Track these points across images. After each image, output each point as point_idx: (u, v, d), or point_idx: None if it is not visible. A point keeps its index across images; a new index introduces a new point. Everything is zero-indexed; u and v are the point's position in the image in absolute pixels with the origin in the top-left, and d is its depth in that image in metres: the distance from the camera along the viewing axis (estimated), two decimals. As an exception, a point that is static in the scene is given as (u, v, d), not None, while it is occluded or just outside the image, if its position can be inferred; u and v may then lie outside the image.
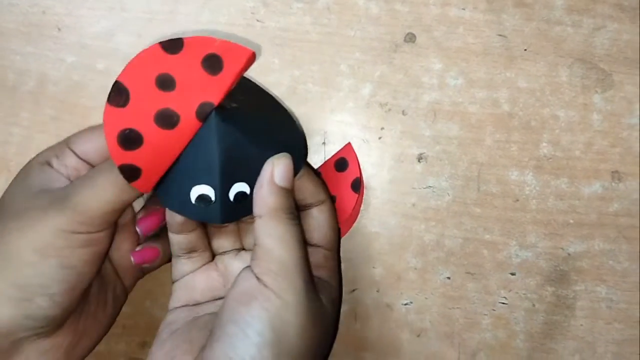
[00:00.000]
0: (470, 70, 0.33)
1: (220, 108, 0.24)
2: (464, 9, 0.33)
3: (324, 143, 0.34)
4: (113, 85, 0.23)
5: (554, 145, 0.33)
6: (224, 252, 0.30)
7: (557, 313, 0.33)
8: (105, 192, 0.25)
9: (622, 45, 0.33)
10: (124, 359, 0.34)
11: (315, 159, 0.33)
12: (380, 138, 0.34)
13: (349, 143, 0.33)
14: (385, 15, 0.33)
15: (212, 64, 0.23)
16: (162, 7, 0.34)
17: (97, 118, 0.34)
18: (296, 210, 0.26)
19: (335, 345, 0.31)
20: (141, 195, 0.26)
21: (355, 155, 0.33)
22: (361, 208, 0.34)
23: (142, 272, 0.31)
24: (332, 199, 0.32)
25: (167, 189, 0.26)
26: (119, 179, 0.25)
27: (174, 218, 0.27)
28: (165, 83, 0.23)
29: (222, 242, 0.30)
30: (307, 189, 0.28)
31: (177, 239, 0.28)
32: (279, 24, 0.34)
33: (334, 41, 0.34)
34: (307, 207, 0.28)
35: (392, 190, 0.33)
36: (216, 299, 0.29)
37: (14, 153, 0.34)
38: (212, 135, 0.24)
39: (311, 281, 0.26)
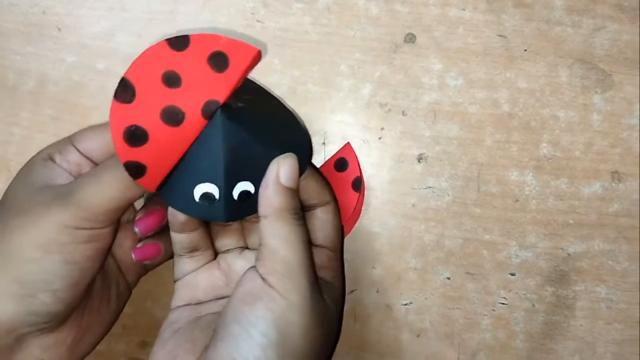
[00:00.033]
0: (470, 70, 0.33)
1: (226, 106, 0.24)
2: (464, 10, 0.33)
3: (324, 143, 0.34)
4: (120, 82, 0.23)
5: (554, 145, 0.33)
6: (227, 251, 0.30)
7: (557, 313, 0.33)
8: (110, 188, 0.25)
9: (622, 46, 0.33)
10: (124, 358, 0.34)
11: (315, 159, 0.33)
12: (380, 138, 0.34)
13: (348, 143, 0.33)
14: (385, 16, 0.33)
15: (218, 61, 0.23)
16: (162, 7, 0.34)
17: (97, 118, 0.34)
18: (301, 211, 0.26)
19: (335, 346, 0.31)
20: (145, 193, 0.26)
21: (355, 155, 0.33)
22: (362, 208, 0.34)
23: (145, 268, 0.31)
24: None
25: (170, 188, 0.26)
26: (124, 176, 0.25)
27: (176, 217, 0.27)
28: (172, 80, 0.23)
29: (226, 240, 0.30)
30: (312, 190, 0.28)
31: (179, 238, 0.28)
32: (278, 24, 0.34)
33: (334, 41, 0.34)
34: (312, 207, 0.28)
35: (392, 191, 0.33)
36: (219, 298, 0.29)
37: (14, 153, 0.34)
38: (218, 134, 0.24)
39: (316, 282, 0.25)
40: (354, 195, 0.33)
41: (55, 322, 0.26)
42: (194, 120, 0.24)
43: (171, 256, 0.30)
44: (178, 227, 0.27)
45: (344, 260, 0.33)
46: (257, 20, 0.34)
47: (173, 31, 0.34)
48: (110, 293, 0.29)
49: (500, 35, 0.33)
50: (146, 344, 0.34)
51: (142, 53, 0.23)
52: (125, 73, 0.23)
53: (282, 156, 0.25)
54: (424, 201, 0.33)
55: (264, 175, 0.25)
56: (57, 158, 0.27)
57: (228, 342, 0.23)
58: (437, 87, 0.33)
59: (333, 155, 0.33)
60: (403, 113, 0.33)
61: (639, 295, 0.33)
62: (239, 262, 0.29)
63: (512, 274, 0.33)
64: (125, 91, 0.23)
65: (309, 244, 0.26)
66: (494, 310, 0.33)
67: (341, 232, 0.30)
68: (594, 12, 0.33)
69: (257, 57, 0.24)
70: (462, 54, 0.33)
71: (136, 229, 0.28)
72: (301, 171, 0.26)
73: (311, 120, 0.33)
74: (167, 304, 0.29)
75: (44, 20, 0.34)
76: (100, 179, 0.25)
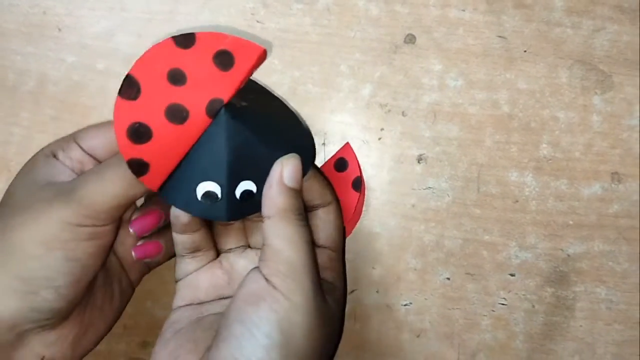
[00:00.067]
0: (470, 71, 0.33)
1: (230, 105, 0.24)
2: (463, 10, 0.33)
3: (324, 144, 0.34)
4: (125, 78, 0.23)
5: (554, 146, 0.33)
6: (229, 250, 0.30)
7: (557, 314, 0.33)
8: (113, 186, 0.25)
9: (622, 47, 0.33)
10: (124, 358, 0.34)
11: (316, 159, 0.33)
12: (380, 139, 0.34)
13: (348, 143, 0.33)
14: (385, 16, 0.33)
15: (224, 60, 0.23)
16: (162, 7, 0.34)
17: (97, 118, 0.34)
18: (304, 212, 0.26)
19: (334, 346, 0.31)
20: (148, 191, 0.26)
21: (355, 155, 0.33)
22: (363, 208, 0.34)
23: (147, 267, 0.31)
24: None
25: (172, 186, 0.26)
26: (127, 173, 0.25)
27: (178, 219, 0.27)
28: (177, 78, 0.24)
29: (228, 240, 0.30)
30: (315, 190, 0.28)
31: (181, 239, 0.28)
32: (278, 25, 0.34)
33: (334, 42, 0.34)
34: (314, 208, 0.28)
35: (391, 191, 0.33)
36: (221, 298, 0.29)
37: (14, 153, 0.34)
38: (222, 132, 0.24)
39: (319, 283, 0.26)
40: (355, 195, 0.33)
41: (57, 318, 0.26)
42: (198, 119, 0.24)
43: (173, 255, 0.30)
44: (180, 228, 0.27)
45: (345, 260, 0.33)
46: (257, 21, 0.34)
47: (173, 31, 0.34)
48: (112, 290, 0.29)
49: (500, 36, 0.33)
50: (147, 344, 0.34)
51: (148, 50, 0.23)
52: (131, 70, 0.23)
53: (285, 157, 0.25)
54: (423, 202, 0.33)
55: (267, 175, 0.25)
56: (60, 155, 0.27)
57: (230, 342, 0.23)
58: (437, 88, 0.33)
59: (333, 156, 0.33)
60: (403, 114, 0.34)
61: (639, 296, 0.33)
62: (241, 262, 0.29)
63: (512, 275, 0.33)
64: (130, 88, 0.23)
65: (312, 245, 0.26)
66: (493, 310, 0.33)
67: (343, 232, 0.30)
68: (593, 13, 0.33)
69: (263, 56, 0.24)
70: (462, 55, 0.33)
71: (131, 230, 0.28)
72: (304, 172, 0.26)
73: (311, 121, 0.33)
74: (168, 304, 0.29)
75: (44, 21, 0.34)
76: (103, 176, 0.25)
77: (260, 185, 0.26)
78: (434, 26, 0.33)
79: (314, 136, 0.33)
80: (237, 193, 0.25)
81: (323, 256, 0.28)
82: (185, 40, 0.23)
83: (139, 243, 0.29)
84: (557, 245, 0.33)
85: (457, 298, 0.33)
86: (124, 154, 0.24)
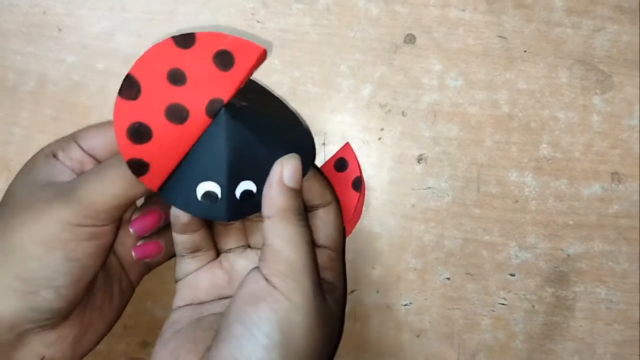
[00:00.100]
0: (470, 71, 0.33)
1: (230, 105, 0.24)
2: (463, 10, 0.33)
3: (324, 144, 0.34)
4: (125, 78, 0.23)
5: (554, 146, 0.33)
6: (229, 250, 0.30)
7: (557, 314, 0.33)
8: (113, 186, 0.25)
9: (622, 47, 0.33)
10: (124, 358, 0.34)
11: (316, 159, 0.33)
12: (380, 139, 0.34)
13: (348, 143, 0.33)
14: (385, 17, 0.33)
15: (224, 60, 0.23)
16: (161, 7, 0.34)
17: (97, 118, 0.34)
18: (305, 212, 0.26)
19: (334, 346, 0.31)
20: (148, 191, 0.26)
21: (355, 155, 0.33)
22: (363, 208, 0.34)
23: (147, 267, 0.31)
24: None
25: (172, 186, 0.26)
26: (127, 173, 0.25)
27: (178, 219, 0.27)
28: (177, 78, 0.24)
29: (228, 240, 0.30)
30: (315, 190, 0.28)
31: (181, 239, 0.28)
32: (278, 25, 0.34)
33: (334, 42, 0.34)
34: (314, 208, 0.28)
35: (391, 191, 0.33)
36: (221, 298, 0.29)
37: (14, 153, 0.34)
38: (222, 132, 0.24)
39: (319, 283, 0.26)
40: (355, 195, 0.33)
41: (57, 318, 0.26)
42: (198, 119, 0.24)
43: (173, 255, 0.30)
44: (180, 228, 0.27)
45: (345, 260, 0.33)
46: (257, 21, 0.34)
47: (173, 31, 0.34)
48: (112, 290, 0.29)
49: (500, 36, 0.33)
50: (147, 344, 0.34)
51: (148, 50, 0.23)
52: (131, 70, 0.23)
53: (285, 157, 0.25)
54: (423, 202, 0.33)
55: (267, 175, 0.25)
56: (60, 155, 0.27)
57: (230, 342, 0.23)
58: (437, 88, 0.33)
59: (333, 156, 0.33)
60: (403, 114, 0.34)
61: (639, 296, 0.33)
62: (241, 262, 0.29)
63: (512, 275, 0.33)
64: (130, 88, 0.23)
65: (312, 245, 0.26)
66: (493, 310, 0.33)
67: (343, 232, 0.30)
68: (593, 13, 0.33)
69: (263, 56, 0.24)
70: (462, 55, 0.33)
71: (131, 230, 0.28)
72: (304, 172, 0.26)
73: (311, 121, 0.33)
74: (168, 304, 0.29)
75: (44, 21, 0.34)
76: (103, 176, 0.25)
77: (260, 185, 0.25)
78: (434, 26, 0.33)
79: (314, 136, 0.33)
80: (237, 193, 0.25)
81: (323, 256, 0.28)
82: (185, 40, 0.23)
83: (139, 243, 0.29)
84: (557, 245, 0.33)
85: (457, 298, 0.33)
86: (124, 154, 0.24)
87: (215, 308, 0.28)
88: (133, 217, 0.29)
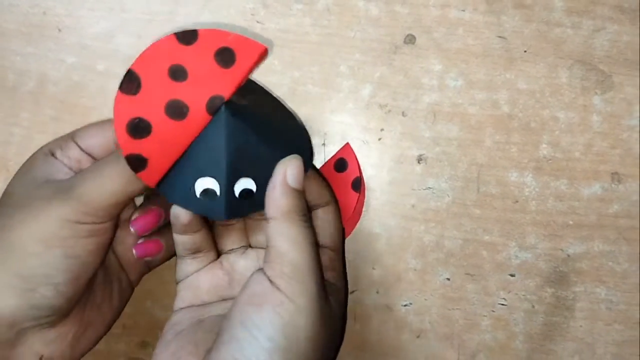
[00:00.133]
0: (470, 71, 0.33)
1: (231, 103, 0.24)
2: (463, 11, 0.33)
3: (323, 144, 0.34)
4: (126, 73, 0.24)
5: (554, 146, 0.33)
6: (230, 251, 0.30)
7: (557, 314, 0.33)
8: (112, 183, 0.25)
9: (622, 47, 0.33)
10: (123, 358, 0.34)
11: (315, 160, 0.33)
12: (380, 139, 0.34)
13: (348, 143, 0.33)
14: (385, 17, 0.33)
15: (225, 57, 0.23)
16: (161, 7, 0.34)
17: (97, 118, 0.34)
18: (308, 212, 0.26)
19: (334, 346, 0.31)
20: (147, 188, 0.26)
21: (355, 155, 0.33)
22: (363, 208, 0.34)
23: (147, 266, 0.31)
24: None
25: (171, 183, 0.26)
26: (126, 170, 0.25)
27: (178, 219, 0.27)
28: (178, 74, 0.24)
29: (229, 240, 0.30)
30: (313, 191, 0.28)
31: (182, 240, 0.28)
32: (278, 25, 0.34)
33: (334, 42, 0.34)
34: (313, 208, 0.28)
35: (391, 192, 0.33)
36: (222, 300, 0.29)
37: (14, 153, 0.34)
38: (221, 129, 0.24)
39: (323, 284, 0.25)
40: (354, 195, 0.33)
41: (57, 316, 0.26)
42: (198, 115, 0.24)
43: (173, 254, 0.30)
44: (180, 229, 0.27)
45: (345, 260, 0.33)
46: (257, 22, 0.34)
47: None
48: (112, 289, 0.29)
49: (500, 37, 0.33)
50: (146, 344, 0.34)
51: (150, 46, 0.23)
52: (132, 65, 0.23)
53: (288, 158, 0.25)
54: (423, 202, 0.33)
55: (267, 173, 0.25)
56: (58, 154, 0.28)
57: (231, 344, 0.23)
58: (437, 88, 0.33)
59: (333, 156, 0.33)
60: (403, 114, 0.33)
61: (639, 296, 0.33)
62: (241, 262, 0.29)
63: (512, 275, 0.33)
64: (131, 83, 0.24)
65: (316, 246, 0.26)
66: (493, 311, 0.33)
67: (342, 232, 0.30)
68: (593, 13, 0.33)
69: (264, 54, 0.24)
70: (462, 55, 0.33)
71: (132, 229, 0.28)
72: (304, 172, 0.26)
73: (311, 121, 0.33)
74: (168, 304, 0.29)
75: (44, 21, 0.34)
76: (102, 173, 0.25)
77: (259, 183, 0.25)
78: (434, 26, 0.33)
79: (314, 136, 0.34)
80: (236, 191, 0.25)
81: (324, 257, 0.28)
82: (187, 36, 0.23)
83: (140, 241, 0.29)
84: (557, 245, 0.33)
85: (457, 298, 0.33)
86: (123, 149, 0.24)
87: (217, 310, 0.28)
88: (133, 217, 0.29)
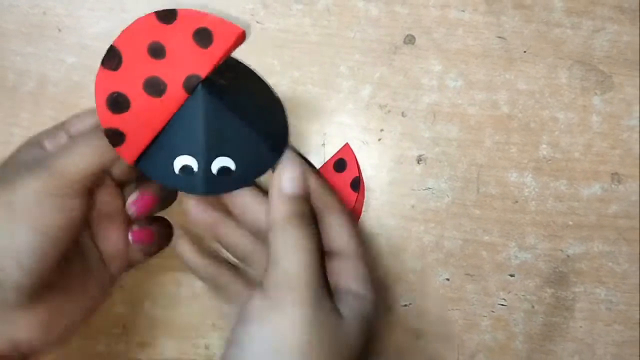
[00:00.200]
0: (469, 72, 0.33)
1: (208, 81, 0.25)
2: (463, 11, 0.33)
3: (323, 144, 0.34)
4: (108, 49, 0.24)
5: (554, 147, 0.33)
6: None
7: (557, 315, 0.33)
8: (85, 154, 0.25)
9: (622, 47, 0.33)
10: (123, 359, 0.34)
11: (315, 160, 0.33)
12: (379, 140, 0.34)
13: (347, 143, 0.33)
14: (385, 17, 0.33)
15: (203, 37, 0.24)
16: (161, 8, 0.34)
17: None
18: (311, 216, 0.26)
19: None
20: (120, 161, 0.26)
21: (354, 155, 0.33)
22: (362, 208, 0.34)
23: (128, 263, 0.30)
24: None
25: (150, 160, 0.26)
26: (100, 142, 0.25)
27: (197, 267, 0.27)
28: (157, 51, 0.24)
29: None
30: (321, 196, 0.27)
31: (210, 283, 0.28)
32: (278, 25, 0.34)
33: (334, 43, 0.34)
34: (322, 213, 0.27)
35: (391, 192, 0.33)
36: None
37: (14, 154, 0.34)
38: (198, 107, 0.25)
39: (323, 292, 0.25)
40: (353, 195, 0.33)
41: (24, 296, 0.25)
42: (175, 93, 0.25)
43: (162, 247, 0.30)
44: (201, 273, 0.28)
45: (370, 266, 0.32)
46: (257, 22, 0.34)
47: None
48: (88, 280, 0.28)
49: (499, 37, 0.33)
50: (146, 345, 0.34)
51: (132, 23, 0.24)
52: (115, 41, 0.24)
53: (282, 163, 0.25)
54: (423, 202, 0.33)
55: (245, 151, 0.25)
56: (47, 143, 0.27)
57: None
58: (437, 89, 0.33)
59: (332, 156, 0.33)
60: (402, 114, 0.33)
61: (639, 296, 0.33)
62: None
63: (512, 275, 0.33)
64: (112, 58, 0.24)
65: (318, 253, 0.25)
66: (493, 311, 0.33)
67: (356, 237, 0.28)
68: (593, 13, 0.33)
69: (241, 37, 0.24)
70: (461, 56, 0.33)
71: (131, 210, 0.28)
72: (280, 152, 0.26)
73: (311, 122, 0.33)
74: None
75: (44, 21, 0.34)
76: (76, 145, 0.25)
77: (237, 162, 0.26)
78: (434, 27, 0.33)
79: (313, 137, 0.34)
80: (214, 168, 0.26)
81: (335, 262, 0.27)
82: (167, 15, 0.24)
83: (135, 227, 0.29)
84: (556, 245, 0.33)
85: (456, 299, 0.33)
86: (102, 123, 0.25)
87: None
88: (131, 199, 0.28)
